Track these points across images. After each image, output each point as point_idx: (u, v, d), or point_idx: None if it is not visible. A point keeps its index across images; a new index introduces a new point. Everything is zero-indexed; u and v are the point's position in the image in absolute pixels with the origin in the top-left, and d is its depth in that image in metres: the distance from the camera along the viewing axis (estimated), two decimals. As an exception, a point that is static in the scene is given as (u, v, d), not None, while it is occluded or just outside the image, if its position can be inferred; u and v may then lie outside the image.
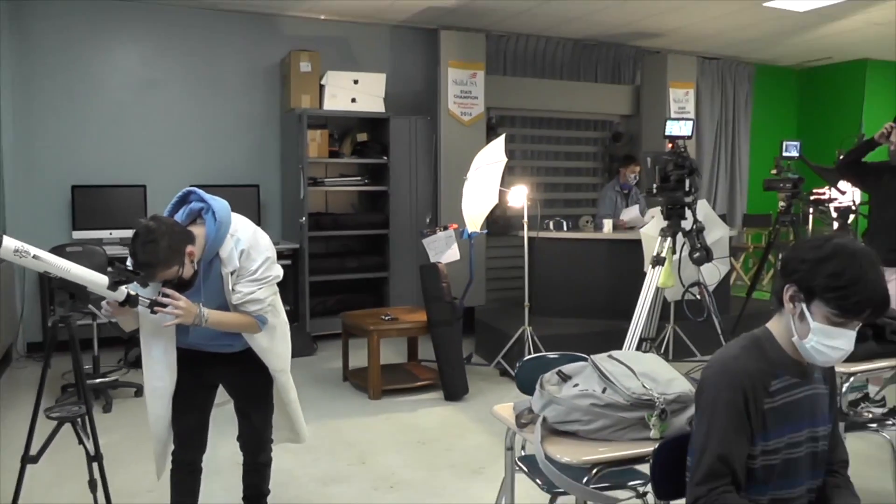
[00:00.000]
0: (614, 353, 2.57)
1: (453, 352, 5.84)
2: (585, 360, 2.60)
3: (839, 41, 9.42)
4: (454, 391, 5.79)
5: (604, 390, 2.39)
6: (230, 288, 2.85)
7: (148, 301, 2.71)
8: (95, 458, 3.07)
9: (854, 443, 4.53)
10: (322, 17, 7.97)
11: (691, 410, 2.37)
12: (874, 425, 3.74)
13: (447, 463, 4.54)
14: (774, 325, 2.10)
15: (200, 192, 2.87)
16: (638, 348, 5.49)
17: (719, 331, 5.50)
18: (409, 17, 7.99)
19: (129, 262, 2.78)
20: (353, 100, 7.56)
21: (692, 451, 2.09)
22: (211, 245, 2.80)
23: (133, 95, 7.34)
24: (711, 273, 5.85)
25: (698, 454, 2.02)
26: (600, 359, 2.53)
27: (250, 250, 2.86)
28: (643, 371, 2.43)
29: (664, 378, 2.42)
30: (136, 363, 6.09)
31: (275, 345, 3.08)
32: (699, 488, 1.98)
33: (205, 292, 2.87)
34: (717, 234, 6.29)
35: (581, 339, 6.12)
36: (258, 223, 7.27)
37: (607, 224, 7.08)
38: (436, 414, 5.49)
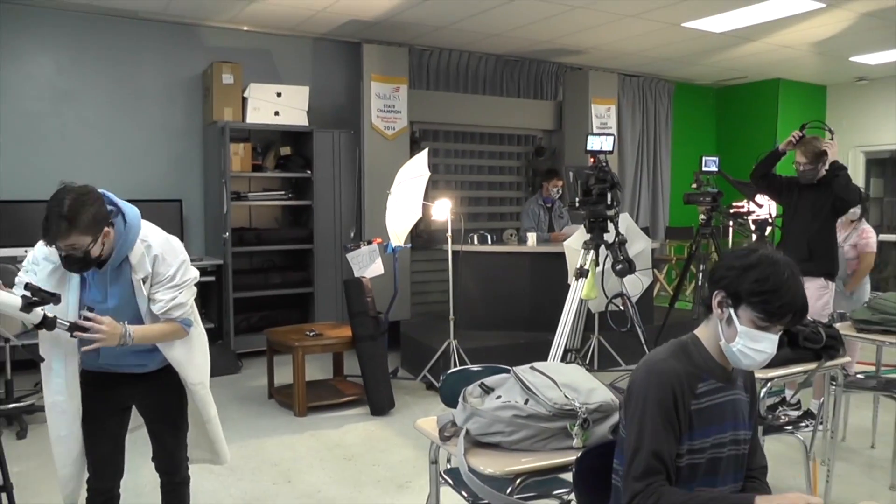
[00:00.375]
0: (536, 364, 2.58)
1: (379, 366, 5.81)
2: (508, 372, 2.61)
3: (754, 61, 9.74)
4: (380, 406, 5.75)
5: (526, 401, 2.40)
6: (145, 295, 2.75)
7: (67, 324, 2.58)
8: (4, 488, 2.93)
9: (771, 444, 4.68)
10: (244, 28, 7.89)
11: (613, 419, 2.40)
12: (790, 428, 3.86)
13: (373, 478, 4.50)
14: (702, 332, 2.18)
15: (111, 195, 2.75)
16: (563, 359, 5.53)
17: (643, 340, 5.57)
18: (332, 29, 7.95)
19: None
20: (277, 113, 7.49)
21: (619, 452, 2.13)
22: (120, 247, 2.70)
23: (48, 106, 7.12)
24: (634, 284, 5.93)
25: (632, 453, 2.04)
26: (522, 370, 2.53)
27: (164, 255, 2.78)
28: (565, 381, 2.44)
29: (586, 388, 2.44)
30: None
31: (193, 356, 2.97)
32: (637, 484, 2.01)
33: (114, 299, 2.76)
34: (639, 246, 6.39)
35: (506, 352, 6.15)
36: (181, 239, 7.14)
37: (531, 237, 7.13)
38: (362, 429, 5.43)
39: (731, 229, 8.15)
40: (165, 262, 2.78)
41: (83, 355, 2.75)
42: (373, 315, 5.86)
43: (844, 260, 5.91)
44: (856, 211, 5.78)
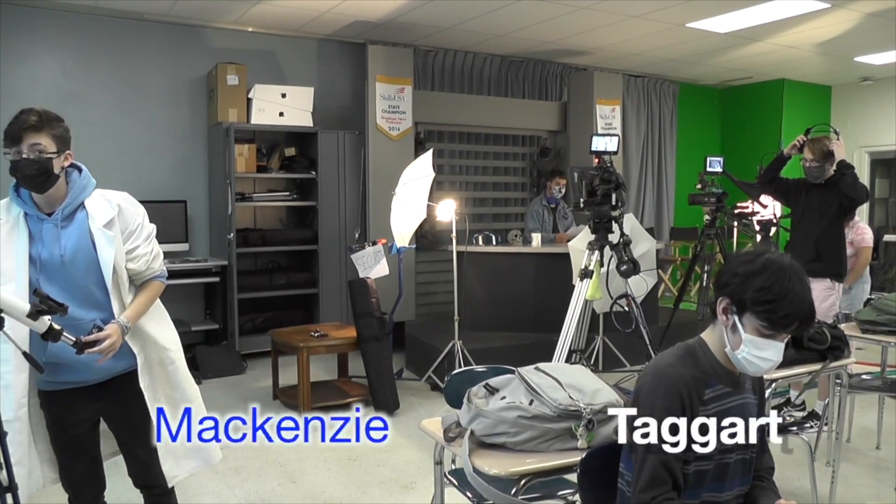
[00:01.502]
0: (541, 365, 2.58)
1: (383, 367, 5.81)
2: (513, 372, 2.61)
3: (758, 62, 9.73)
4: (385, 406, 5.75)
5: (531, 402, 2.40)
6: (110, 246, 2.65)
7: (73, 339, 2.49)
8: (9, 488, 2.90)
9: (775, 446, 4.66)
10: (249, 30, 7.90)
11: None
12: (794, 429, 3.85)
13: (378, 479, 4.51)
14: (709, 336, 2.15)
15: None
16: (568, 360, 5.52)
17: (647, 341, 5.56)
18: (337, 30, 7.96)
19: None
20: (281, 114, 7.50)
21: (626, 457, 2.12)
22: (76, 193, 2.68)
23: (53, 107, 6.88)
24: (639, 285, 5.92)
25: (640, 462, 2.03)
26: (527, 371, 2.53)
27: (127, 204, 2.76)
28: (570, 382, 2.44)
29: (591, 389, 2.44)
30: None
31: (162, 328, 2.89)
32: (643, 495, 2.00)
33: (68, 252, 2.63)
34: (644, 247, 6.38)
35: (511, 352, 6.15)
36: (185, 239, 7.22)
37: (536, 238, 7.13)
38: (366, 430, 5.44)
39: (735, 230, 8.12)
40: (132, 212, 2.76)
41: (38, 377, 2.62)
42: (377, 316, 5.87)
43: None
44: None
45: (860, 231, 5.97)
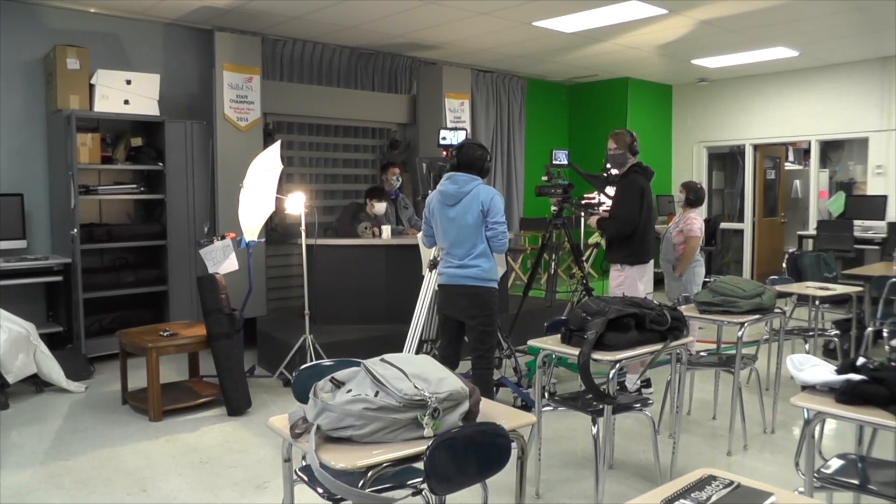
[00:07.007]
0: (387, 356, 2.59)
1: (234, 365, 5.68)
2: (359, 365, 2.61)
3: (603, 61, 10.12)
4: (237, 406, 5.63)
5: (376, 394, 2.40)
6: None
7: None
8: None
9: (622, 421, 4.97)
10: (91, 10, 7.50)
11: (463, 408, 2.45)
12: (638, 405, 4.07)
13: (230, 481, 4.42)
14: None
15: None
16: (419, 350, 5.59)
17: (498, 328, 5.67)
18: (183, 15, 7.70)
19: None
20: (126, 101, 7.18)
21: None
22: None
23: None
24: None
25: None
26: (372, 363, 2.54)
27: None
28: (414, 372, 2.46)
29: (435, 378, 2.47)
30: None
31: None
32: None
33: None
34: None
35: (363, 345, 6.18)
36: (23, 235, 6.84)
37: (386, 230, 7.16)
38: (218, 431, 5.32)
39: (582, 220, 8.38)
40: None
41: None
42: (227, 312, 5.73)
43: (672, 244, 6.35)
44: (681, 197, 6.53)
45: (689, 221, 6.36)
